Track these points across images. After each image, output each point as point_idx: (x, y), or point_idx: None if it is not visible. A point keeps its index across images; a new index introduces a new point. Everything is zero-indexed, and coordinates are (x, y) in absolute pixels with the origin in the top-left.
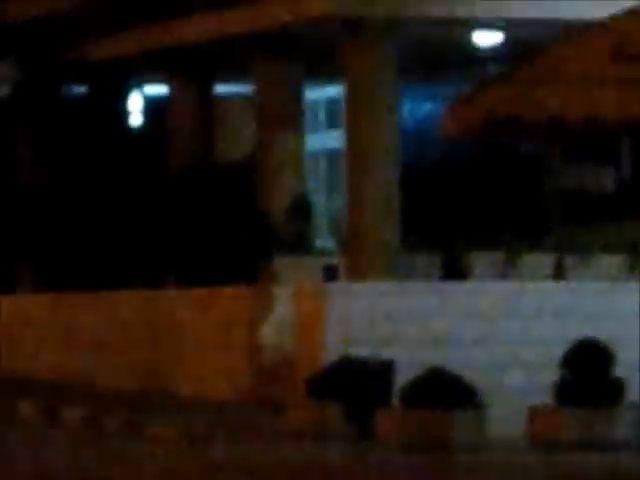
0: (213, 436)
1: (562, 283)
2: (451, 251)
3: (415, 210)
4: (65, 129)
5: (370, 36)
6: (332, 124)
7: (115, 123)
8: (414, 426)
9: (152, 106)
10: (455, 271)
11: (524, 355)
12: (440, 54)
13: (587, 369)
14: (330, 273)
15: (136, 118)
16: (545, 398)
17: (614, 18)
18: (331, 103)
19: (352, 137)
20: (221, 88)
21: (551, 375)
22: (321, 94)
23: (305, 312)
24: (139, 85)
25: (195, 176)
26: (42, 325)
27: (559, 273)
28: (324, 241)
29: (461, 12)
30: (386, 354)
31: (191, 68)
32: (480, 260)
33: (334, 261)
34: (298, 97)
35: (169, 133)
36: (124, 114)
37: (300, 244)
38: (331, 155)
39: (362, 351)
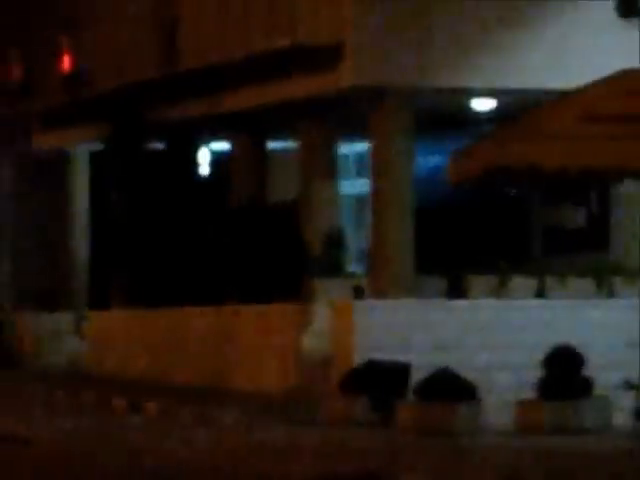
0: (265, 423)
1: (543, 300)
2: (455, 275)
3: (426, 242)
4: (148, 177)
5: (390, 102)
6: (360, 173)
7: (187, 173)
8: (425, 415)
9: (217, 159)
10: (458, 291)
11: (513, 358)
12: (446, 116)
13: (563, 369)
14: (358, 292)
15: (204, 169)
16: (530, 393)
17: (584, 87)
18: (359, 156)
19: (375, 183)
20: (272, 144)
21: (535, 374)
22: (351, 149)
23: (338, 324)
24: (207, 142)
25: (251, 215)
26: (128, 335)
27: (541, 292)
28: (354, 267)
29: (463, 83)
30: (403, 358)
31: (248, 128)
32: (478, 282)
33: (362, 283)
34: (333, 152)
35: (230, 181)
36: (194, 165)
37: (334, 269)
38: (359, 198)
39: (384, 355)
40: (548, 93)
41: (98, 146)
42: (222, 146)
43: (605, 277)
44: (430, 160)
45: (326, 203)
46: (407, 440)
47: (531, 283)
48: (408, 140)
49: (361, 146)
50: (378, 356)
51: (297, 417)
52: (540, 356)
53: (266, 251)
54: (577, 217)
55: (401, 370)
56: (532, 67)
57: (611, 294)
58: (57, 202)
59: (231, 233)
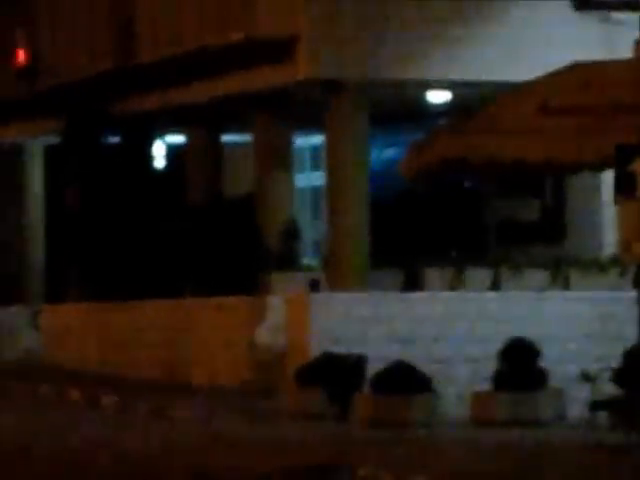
0: (221, 417)
1: (498, 293)
2: (410, 267)
3: (381, 235)
4: (104, 170)
5: (345, 95)
6: (316, 166)
7: (143, 166)
8: (381, 408)
9: (172, 152)
10: (414, 283)
11: (469, 351)
12: (401, 109)
13: (518, 362)
14: (314, 285)
15: (160, 162)
16: (485, 385)
17: (540, 79)
18: (315, 149)
19: (331, 176)
20: (227, 137)
21: (490, 367)
22: (307, 142)
23: (294, 317)
24: (162, 135)
25: (207, 207)
26: (84, 328)
27: (496, 285)
28: (309, 260)
29: (418, 76)
30: (359, 350)
31: (203, 121)
32: (433, 274)
33: (317, 276)
34: (288, 145)
35: (186, 173)
36: (150, 159)
37: (290, 262)
38: (315, 191)
39: (340, 348)
40: (503, 86)
41: (54, 140)
42: (178, 139)
43: (560, 269)
44: (385, 153)
45: (282, 196)
46: (363, 432)
47: (486, 275)
48: (363, 133)
49: (316, 139)
50: (334, 349)
51: (254, 410)
52: (496, 348)
53: (222, 244)
54: (532, 209)
55: (357, 363)
56: (487, 60)
57: (566, 286)
58: (12, 196)
59: (187, 226)
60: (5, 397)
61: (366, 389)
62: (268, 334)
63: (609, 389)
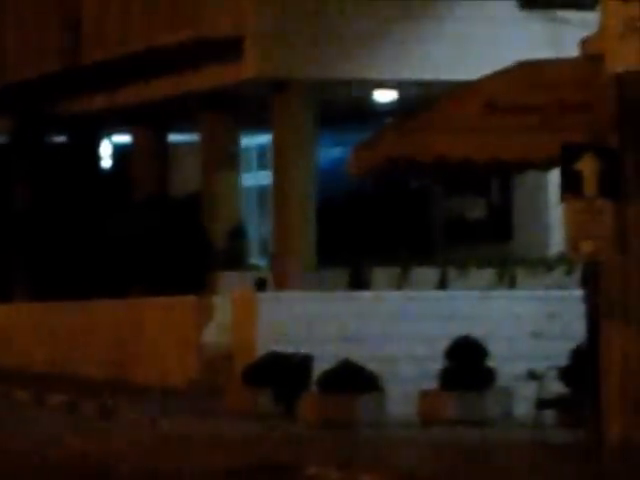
0: (168, 416)
1: (445, 292)
2: (357, 266)
3: (328, 234)
4: (51, 170)
5: (292, 94)
6: (262, 165)
7: (89, 164)
8: (328, 407)
9: (119, 151)
10: (360, 282)
11: (415, 349)
12: (348, 108)
13: (465, 360)
14: (260, 285)
15: (106, 161)
16: (432, 384)
17: (485, 78)
18: (261, 148)
19: (277, 176)
20: (174, 137)
21: (437, 365)
22: (253, 141)
23: (240, 316)
24: (108, 134)
25: (153, 206)
26: (31, 328)
27: (442, 283)
28: (256, 259)
29: (365, 75)
30: (306, 349)
31: (150, 121)
32: (380, 274)
33: (264, 275)
34: (235, 143)
35: (133, 173)
36: (96, 158)
37: (237, 261)
38: (261, 190)
39: (287, 347)
40: (450, 85)
41: (1, 139)
42: (124, 139)
43: (507, 268)
44: (332, 152)
45: (228, 195)
46: (310, 432)
47: (433, 274)
48: (310, 132)
49: (263, 138)
50: (281, 348)
51: (200, 410)
52: (443, 347)
53: (169, 244)
54: (479, 208)
55: (303, 362)
56: (434, 59)
57: (513, 285)
58: None
59: (134, 226)
60: None
61: (312, 388)
62: (214, 333)
63: (556, 387)
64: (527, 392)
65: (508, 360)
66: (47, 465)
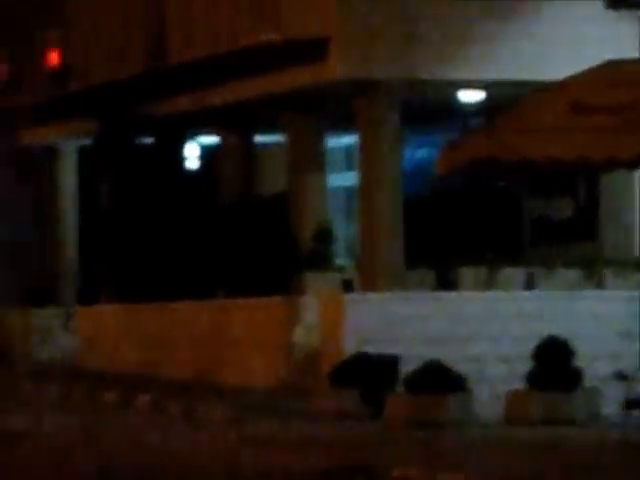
0: (255, 418)
1: (532, 292)
2: (444, 267)
3: (414, 235)
4: (137, 172)
5: (377, 94)
6: (349, 166)
7: (176, 167)
8: (415, 408)
9: (205, 152)
10: (447, 283)
11: (503, 350)
12: (433, 109)
13: (552, 361)
14: (347, 286)
15: (193, 162)
16: (519, 384)
17: (571, 78)
18: (347, 149)
19: (364, 176)
20: (260, 138)
21: (524, 366)
22: (340, 142)
23: (327, 317)
24: (195, 136)
25: (240, 208)
26: (117, 330)
27: (530, 284)
28: (342, 260)
29: (450, 75)
30: (393, 350)
31: (236, 122)
32: (467, 274)
33: (350, 276)
34: (321, 144)
35: (219, 174)
36: (183, 159)
37: (323, 262)
38: (348, 191)
39: (373, 348)
40: (536, 84)
41: (86, 141)
42: (210, 140)
43: (594, 268)
44: (418, 152)
45: (314, 196)
46: (397, 433)
47: (520, 274)
48: (396, 132)
49: (349, 139)
50: (368, 349)
51: (287, 411)
52: (530, 347)
53: (255, 245)
54: (565, 208)
55: (390, 363)
56: (520, 58)
57: (600, 285)
58: (45, 198)
59: (220, 227)
60: (40, 399)
61: (399, 389)
62: (302, 334)
63: None
64: (615, 393)
65: (595, 360)
66: (135, 465)
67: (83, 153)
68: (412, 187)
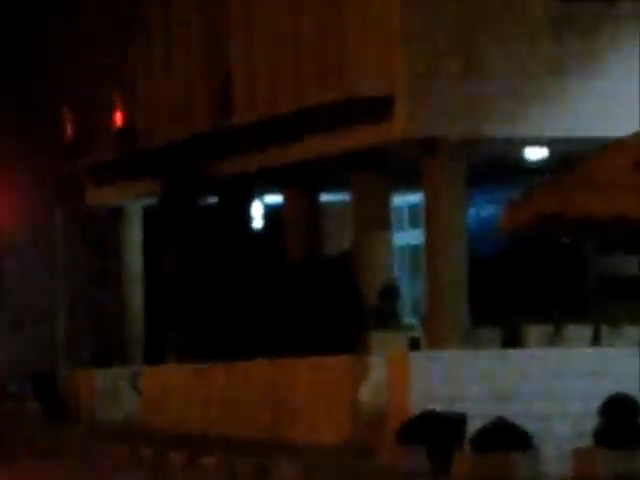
0: (324, 476)
1: (599, 349)
2: (510, 324)
3: (480, 293)
4: (201, 231)
5: (443, 153)
6: (414, 225)
7: (241, 227)
8: (482, 465)
9: (270, 212)
10: (513, 340)
11: (570, 407)
12: (498, 166)
13: (619, 417)
14: (414, 344)
15: (258, 222)
16: (586, 442)
17: (635, 135)
18: (413, 208)
19: (429, 235)
20: (325, 197)
21: (591, 423)
22: (405, 200)
23: (394, 375)
24: (260, 195)
25: (306, 267)
26: (184, 389)
27: (596, 341)
28: (409, 319)
29: (515, 133)
30: (459, 408)
31: (301, 181)
32: (533, 331)
33: (417, 334)
34: (386, 203)
35: (284, 234)
36: (248, 218)
37: (390, 321)
38: (414, 249)
39: (440, 406)
40: (600, 141)
41: (151, 201)
42: (275, 199)
43: None
44: (483, 210)
45: (380, 254)
46: None
47: (586, 331)
48: (461, 190)
49: (414, 197)
50: (434, 407)
51: (355, 469)
52: (596, 405)
53: (321, 303)
54: (630, 266)
55: (457, 420)
56: (583, 115)
57: None
58: (111, 258)
59: (286, 286)
60: (105, 459)
61: (466, 447)
62: (370, 393)
63: None
64: None
65: None
66: None
67: (148, 213)
68: (478, 245)
